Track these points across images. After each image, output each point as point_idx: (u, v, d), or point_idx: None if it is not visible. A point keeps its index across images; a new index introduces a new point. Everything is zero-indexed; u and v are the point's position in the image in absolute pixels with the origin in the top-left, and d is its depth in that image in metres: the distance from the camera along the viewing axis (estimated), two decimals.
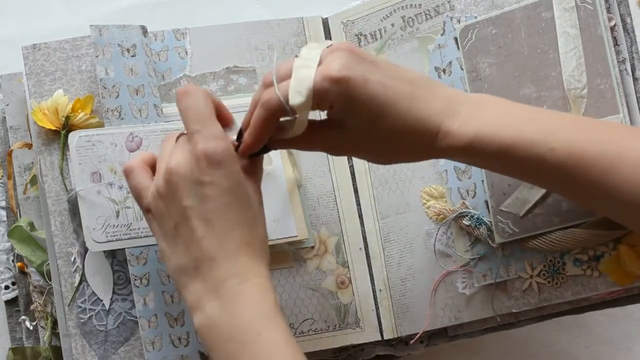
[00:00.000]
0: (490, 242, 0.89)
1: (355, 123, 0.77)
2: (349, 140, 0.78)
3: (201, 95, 0.78)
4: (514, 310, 0.89)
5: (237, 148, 0.78)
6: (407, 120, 0.76)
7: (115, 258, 0.89)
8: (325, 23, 0.98)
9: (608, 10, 0.87)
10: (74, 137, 0.88)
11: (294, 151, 0.93)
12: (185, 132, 0.78)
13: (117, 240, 0.87)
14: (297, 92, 0.74)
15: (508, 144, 0.76)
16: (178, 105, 0.78)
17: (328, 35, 0.97)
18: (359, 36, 0.96)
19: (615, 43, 0.87)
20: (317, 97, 0.75)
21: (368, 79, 0.75)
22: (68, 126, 0.89)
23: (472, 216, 0.90)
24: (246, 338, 0.73)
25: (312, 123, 0.77)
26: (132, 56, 0.91)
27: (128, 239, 0.88)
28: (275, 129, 0.77)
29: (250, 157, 0.79)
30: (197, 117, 0.77)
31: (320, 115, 0.81)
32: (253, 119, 0.77)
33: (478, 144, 0.76)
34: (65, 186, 0.89)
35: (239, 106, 0.93)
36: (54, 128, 0.89)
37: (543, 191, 0.86)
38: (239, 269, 0.76)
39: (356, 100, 0.75)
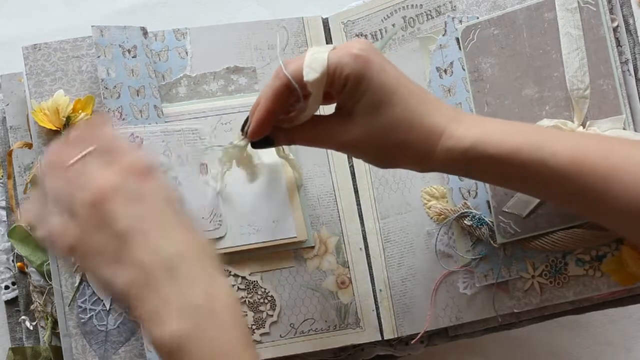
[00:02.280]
0: (492, 242, 0.89)
1: (362, 107, 0.77)
2: (351, 132, 0.78)
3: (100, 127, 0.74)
4: (515, 311, 0.89)
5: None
6: (414, 115, 0.77)
7: None
8: (326, 23, 0.98)
9: (611, 11, 0.87)
10: None
11: (294, 150, 0.93)
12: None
13: None
14: (311, 69, 0.76)
15: (510, 148, 0.76)
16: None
17: (328, 35, 0.97)
18: (360, 36, 0.96)
19: (618, 44, 0.87)
20: (334, 71, 0.76)
21: (385, 68, 0.77)
22: (69, 126, 0.89)
23: (474, 216, 0.90)
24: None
25: (315, 116, 0.79)
26: (133, 57, 0.91)
27: None
28: (284, 108, 0.78)
29: (253, 146, 0.80)
30: (110, 145, 0.72)
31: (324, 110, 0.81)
32: (263, 91, 0.78)
33: (481, 146, 0.77)
34: None
35: (239, 106, 0.93)
36: (54, 128, 0.89)
37: None
38: (199, 278, 0.69)
39: (370, 80, 0.76)
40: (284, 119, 0.80)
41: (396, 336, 0.94)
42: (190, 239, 0.70)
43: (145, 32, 0.93)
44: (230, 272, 0.91)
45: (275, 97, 0.78)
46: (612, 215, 0.76)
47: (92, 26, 0.90)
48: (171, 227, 0.70)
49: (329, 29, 0.97)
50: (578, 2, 0.87)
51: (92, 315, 0.88)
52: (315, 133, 0.80)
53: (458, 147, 0.77)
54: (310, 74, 0.76)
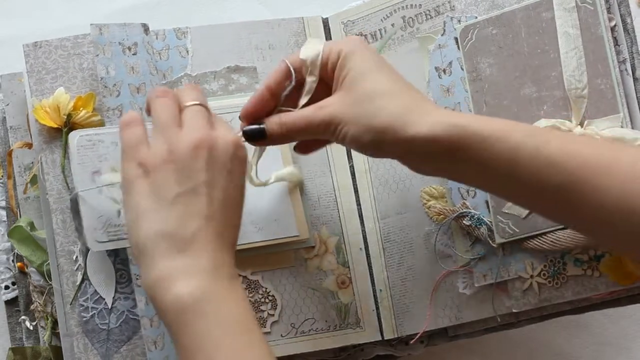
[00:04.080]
0: (490, 242, 0.89)
1: (352, 77, 0.79)
2: (339, 101, 0.79)
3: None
4: (514, 310, 0.89)
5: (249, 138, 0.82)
6: (401, 86, 0.79)
7: (118, 256, 0.89)
8: (326, 23, 0.98)
9: (608, 10, 0.87)
10: (74, 137, 0.87)
11: (293, 153, 0.93)
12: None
13: (118, 239, 0.87)
14: (307, 49, 0.82)
15: (501, 131, 0.75)
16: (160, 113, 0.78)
17: (328, 35, 0.98)
18: (359, 36, 0.96)
19: (616, 43, 0.87)
20: (330, 49, 0.81)
21: (381, 57, 0.81)
22: (70, 124, 0.89)
23: (473, 216, 0.90)
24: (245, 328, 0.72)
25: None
26: (133, 54, 0.91)
27: None
28: (279, 88, 0.82)
29: (246, 138, 0.82)
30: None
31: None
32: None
33: (472, 127, 0.75)
34: (67, 184, 0.89)
35: (240, 105, 0.92)
36: (55, 126, 0.89)
37: None
38: (228, 263, 0.74)
39: (362, 53, 0.80)
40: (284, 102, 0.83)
41: (396, 336, 0.94)
42: (234, 235, 0.77)
43: (146, 28, 0.93)
44: None
45: (273, 77, 0.82)
46: (595, 214, 0.73)
47: (91, 24, 0.90)
48: (232, 213, 0.76)
49: (329, 28, 0.98)
50: (576, 2, 0.87)
51: (94, 313, 0.88)
52: (305, 111, 0.81)
53: (446, 122, 0.76)
54: (308, 52, 0.81)
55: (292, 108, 0.82)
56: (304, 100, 0.82)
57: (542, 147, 0.73)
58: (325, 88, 0.82)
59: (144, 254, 0.73)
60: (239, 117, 0.83)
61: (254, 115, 0.83)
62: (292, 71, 0.81)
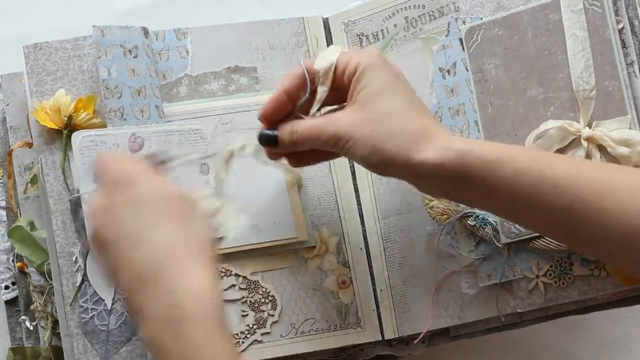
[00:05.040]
0: (495, 242, 0.89)
1: (367, 94, 0.80)
2: (351, 116, 0.80)
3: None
4: (519, 310, 0.89)
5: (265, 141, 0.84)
6: (414, 108, 0.80)
7: None
8: (326, 23, 0.98)
9: (616, 12, 0.87)
10: (77, 137, 0.88)
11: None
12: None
13: None
14: (322, 58, 0.83)
15: (509, 155, 0.76)
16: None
17: (328, 35, 0.97)
18: (361, 36, 0.96)
19: (624, 45, 0.87)
20: (348, 61, 0.81)
21: (398, 74, 0.82)
22: (71, 126, 0.89)
23: (477, 216, 0.90)
24: None
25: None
26: (134, 57, 0.91)
27: None
28: (296, 93, 0.83)
29: (260, 141, 0.84)
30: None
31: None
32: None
33: (478, 151, 0.77)
34: (67, 186, 0.89)
35: (239, 106, 0.93)
36: (56, 127, 0.89)
37: None
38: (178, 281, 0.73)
39: (381, 70, 0.81)
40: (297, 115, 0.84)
41: (397, 336, 0.94)
42: (174, 236, 0.74)
43: (146, 32, 0.93)
44: (231, 271, 0.91)
45: (291, 81, 0.83)
46: (600, 234, 0.75)
47: (94, 26, 0.90)
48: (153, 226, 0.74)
49: (329, 29, 0.97)
50: (584, 4, 0.87)
51: (94, 314, 0.88)
52: (317, 123, 0.82)
53: (454, 148, 0.77)
54: (322, 62, 0.82)
55: (305, 115, 0.84)
56: (315, 108, 0.83)
57: (547, 171, 0.75)
58: (338, 95, 0.83)
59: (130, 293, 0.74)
60: (258, 117, 0.84)
61: (272, 119, 0.84)
62: (308, 81, 0.83)
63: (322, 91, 0.83)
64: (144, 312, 0.71)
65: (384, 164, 0.80)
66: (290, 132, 0.83)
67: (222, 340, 0.70)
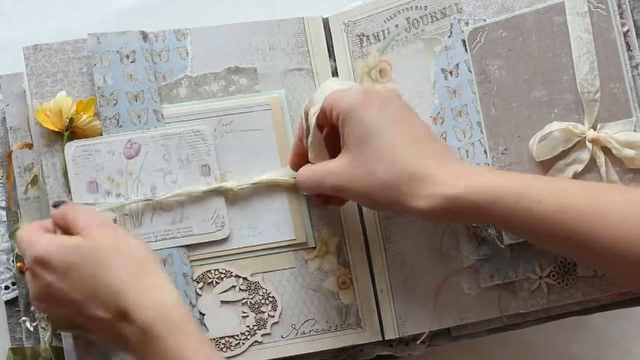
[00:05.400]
0: (498, 243, 0.89)
1: (352, 141, 0.83)
2: (342, 162, 0.84)
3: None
4: (522, 311, 0.89)
5: None
6: (398, 153, 0.82)
7: None
8: (326, 23, 0.97)
9: (621, 15, 0.87)
10: (70, 147, 0.88)
11: None
12: None
13: None
14: (314, 102, 0.87)
15: (496, 196, 0.78)
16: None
17: (328, 35, 0.97)
18: (361, 37, 0.95)
19: (628, 48, 0.87)
20: (331, 107, 0.85)
21: (384, 109, 0.84)
22: (72, 128, 0.89)
23: None
24: None
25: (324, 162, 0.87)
26: (131, 62, 0.91)
27: None
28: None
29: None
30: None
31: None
32: None
33: (465, 197, 0.79)
34: (68, 187, 0.89)
35: (239, 107, 0.93)
36: (57, 129, 0.89)
37: None
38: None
39: (359, 117, 0.83)
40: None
41: (397, 336, 0.94)
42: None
43: (145, 36, 0.92)
44: (231, 273, 0.91)
45: (300, 128, 0.89)
46: (599, 258, 0.78)
47: (89, 34, 0.90)
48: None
49: (329, 29, 0.97)
50: (588, 6, 0.87)
51: None
52: (318, 172, 0.87)
53: (441, 194, 0.80)
54: (310, 108, 0.87)
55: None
56: (307, 145, 0.88)
57: (534, 208, 0.78)
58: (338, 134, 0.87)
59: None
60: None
61: (296, 166, 0.90)
62: (303, 120, 0.88)
63: (310, 133, 0.87)
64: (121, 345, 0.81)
65: (384, 212, 0.93)
66: (297, 180, 0.90)
67: (200, 344, 0.79)
